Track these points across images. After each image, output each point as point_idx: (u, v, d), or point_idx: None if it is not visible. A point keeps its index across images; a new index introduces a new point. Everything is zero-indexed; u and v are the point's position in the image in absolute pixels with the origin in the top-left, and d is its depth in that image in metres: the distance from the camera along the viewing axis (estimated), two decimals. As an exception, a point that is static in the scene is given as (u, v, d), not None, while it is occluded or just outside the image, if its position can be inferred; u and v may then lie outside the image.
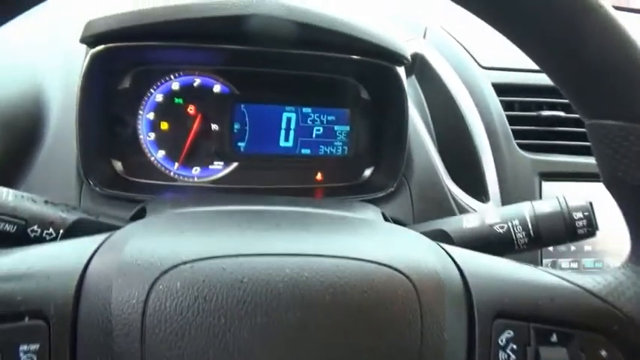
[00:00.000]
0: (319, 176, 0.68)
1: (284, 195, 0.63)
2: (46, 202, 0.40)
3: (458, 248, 0.36)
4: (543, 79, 0.74)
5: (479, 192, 0.67)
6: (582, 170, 0.68)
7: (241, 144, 0.64)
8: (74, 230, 0.40)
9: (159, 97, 0.62)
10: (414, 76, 0.77)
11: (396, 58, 0.59)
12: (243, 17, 0.51)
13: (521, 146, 0.68)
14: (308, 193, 0.66)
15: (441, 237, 0.46)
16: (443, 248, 0.35)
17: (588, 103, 0.32)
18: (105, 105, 0.59)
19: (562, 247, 0.66)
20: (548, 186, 0.67)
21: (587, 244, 0.67)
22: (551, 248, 0.65)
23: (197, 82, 0.63)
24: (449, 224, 0.47)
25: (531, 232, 0.44)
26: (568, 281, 0.34)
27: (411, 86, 0.74)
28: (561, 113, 0.71)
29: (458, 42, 0.77)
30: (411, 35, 0.81)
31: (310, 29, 0.53)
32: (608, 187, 0.33)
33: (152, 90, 0.62)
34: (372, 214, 0.48)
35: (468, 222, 0.46)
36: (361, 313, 0.28)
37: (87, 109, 0.54)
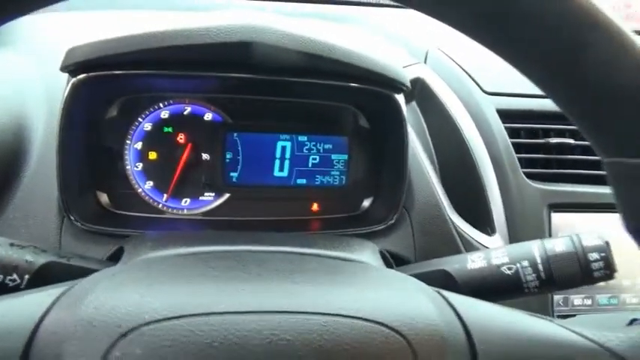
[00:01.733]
0: (315, 207, 0.64)
1: (278, 228, 0.60)
2: (11, 244, 0.37)
3: (462, 297, 0.32)
4: (550, 105, 0.71)
5: (484, 224, 0.63)
6: (594, 201, 0.64)
7: (233, 174, 0.61)
8: (42, 275, 0.37)
9: (147, 126, 0.59)
10: (414, 102, 0.74)
11: (395, 85, 0.56)
12: (237, 45, 0.48)
13: (528, 175, 0.65)
14: (304, 225, 0.62)
15: (443, 278, 0.43)
16: (445, 298, 0.31)
17: (606, 139, 0.29)
18: (89, 135, 0.56)
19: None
20: (558, 217, 0.63)
21: (602, 279, 0.63)
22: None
23: (187, 110, 0.60)
24: (452, 264, 0.43)
25: (542, 274, 0.40)
26: (587, 339, 0.30)
27: (411, 112, 0.71)
28: (570, 140, 0.68)
29: (460, 67, 0.74)
30: (412, 60, 0.79)
31: (307, 56, 0.50)
32: (631, 232, 0.30)
33: (140, 119, 0.59)
34: (369, 253, 0.44)
35: (473, 262, 0.43)
36: None
37: (69, 139, 0.51)
